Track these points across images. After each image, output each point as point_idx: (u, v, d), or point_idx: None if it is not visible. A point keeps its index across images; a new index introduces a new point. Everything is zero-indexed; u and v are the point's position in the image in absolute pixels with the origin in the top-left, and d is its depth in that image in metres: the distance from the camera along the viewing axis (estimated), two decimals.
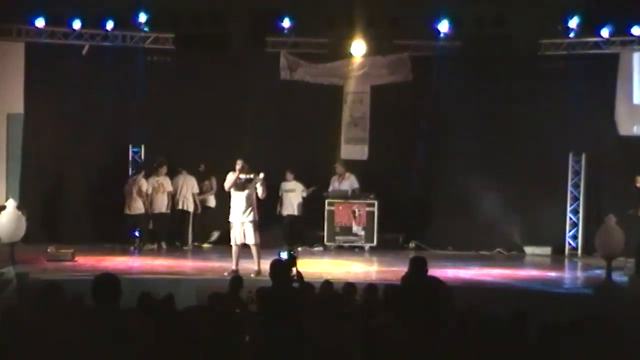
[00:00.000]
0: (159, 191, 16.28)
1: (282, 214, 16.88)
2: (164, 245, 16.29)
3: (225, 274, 12.29)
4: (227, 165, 16.70)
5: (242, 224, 12.69)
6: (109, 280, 5.57)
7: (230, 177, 12.78)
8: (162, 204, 16.31)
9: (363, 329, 6.88)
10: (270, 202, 16.97)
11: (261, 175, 12.68)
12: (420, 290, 7.52)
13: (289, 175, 16.73)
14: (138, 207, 16.09)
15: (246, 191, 12.66)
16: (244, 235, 12.70)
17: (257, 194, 12.75)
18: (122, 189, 16.31)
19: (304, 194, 16.81)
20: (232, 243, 12.82)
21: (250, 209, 12.67)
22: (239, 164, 12.73)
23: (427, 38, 17.01)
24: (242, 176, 12.68)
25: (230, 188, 12.79)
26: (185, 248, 16.46)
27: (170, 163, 16.61)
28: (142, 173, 16.35)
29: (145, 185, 16.14)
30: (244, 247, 12.80)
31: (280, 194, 16.81)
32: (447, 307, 7.44)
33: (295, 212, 16.85)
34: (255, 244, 12.69)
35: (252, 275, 12.21)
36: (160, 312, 6.90)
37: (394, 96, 16.91)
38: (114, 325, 5.32)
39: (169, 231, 16.65)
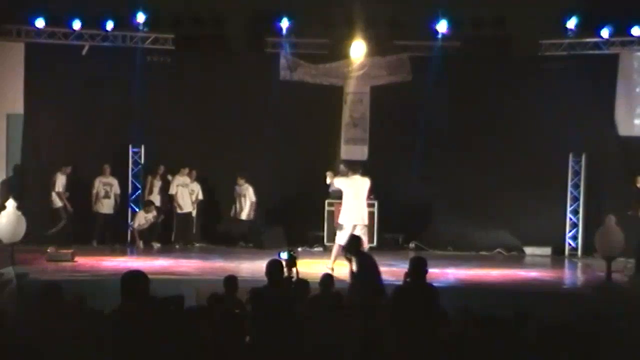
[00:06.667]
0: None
1: None
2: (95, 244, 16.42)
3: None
4: (228, 164, 16.87)
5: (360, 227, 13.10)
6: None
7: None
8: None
9: (362, 329, 6.89)
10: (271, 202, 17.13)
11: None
12: (418, 290, 7.53)
13: None
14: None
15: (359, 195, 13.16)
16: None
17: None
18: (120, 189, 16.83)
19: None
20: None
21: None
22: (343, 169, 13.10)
23: (427, 39, 17.00)
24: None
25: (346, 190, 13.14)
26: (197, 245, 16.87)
27: (169, 164, 16.81)
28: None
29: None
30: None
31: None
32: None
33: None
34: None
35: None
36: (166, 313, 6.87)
37: (393, 96, 16.89)
38: (114, 326, 5.32)
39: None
